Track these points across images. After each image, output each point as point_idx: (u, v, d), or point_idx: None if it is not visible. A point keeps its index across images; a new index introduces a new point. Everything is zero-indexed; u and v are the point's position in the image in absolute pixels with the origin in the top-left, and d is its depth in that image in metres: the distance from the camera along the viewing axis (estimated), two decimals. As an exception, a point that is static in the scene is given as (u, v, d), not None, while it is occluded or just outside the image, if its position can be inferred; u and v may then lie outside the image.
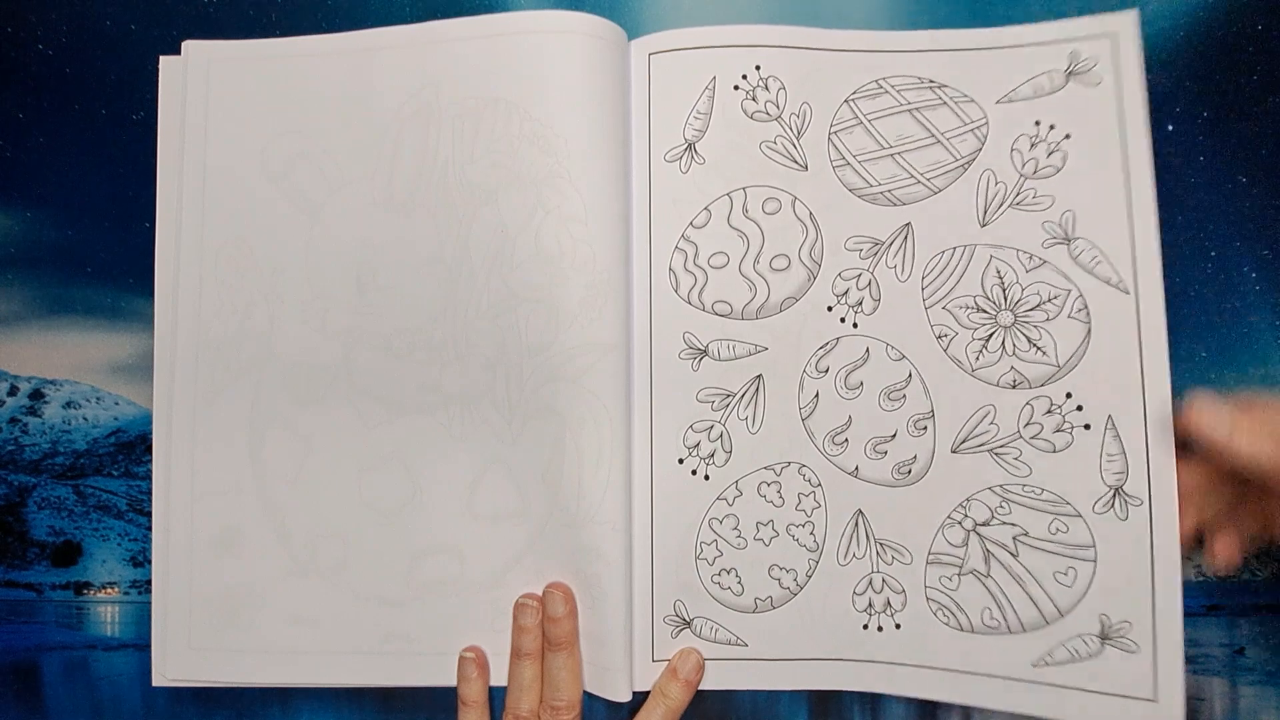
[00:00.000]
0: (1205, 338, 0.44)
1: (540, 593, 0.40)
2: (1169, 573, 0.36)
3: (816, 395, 0.41)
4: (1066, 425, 0.38)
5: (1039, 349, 0.39)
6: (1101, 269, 0.38)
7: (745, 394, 0.41)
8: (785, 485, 0.41)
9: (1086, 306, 0.38)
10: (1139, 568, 0.37)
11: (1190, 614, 0.45)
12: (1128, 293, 0.37)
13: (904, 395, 0.40)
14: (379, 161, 0.41)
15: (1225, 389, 0.44)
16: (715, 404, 0.41)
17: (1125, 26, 0.39)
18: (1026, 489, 0.39)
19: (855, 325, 0.41)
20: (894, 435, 0.40)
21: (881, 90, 0.41)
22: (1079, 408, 0.38)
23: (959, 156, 0.40)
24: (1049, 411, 0.38)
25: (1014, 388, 0.39)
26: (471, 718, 0.39)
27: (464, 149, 0.40)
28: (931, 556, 0.40)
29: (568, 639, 0.39)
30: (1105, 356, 0.38)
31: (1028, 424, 0.39)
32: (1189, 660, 0.43)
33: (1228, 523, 0.37)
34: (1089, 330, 0.38)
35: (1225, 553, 0.37)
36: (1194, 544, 0.37)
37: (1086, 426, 0.38)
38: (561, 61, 0.39)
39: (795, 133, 0.41)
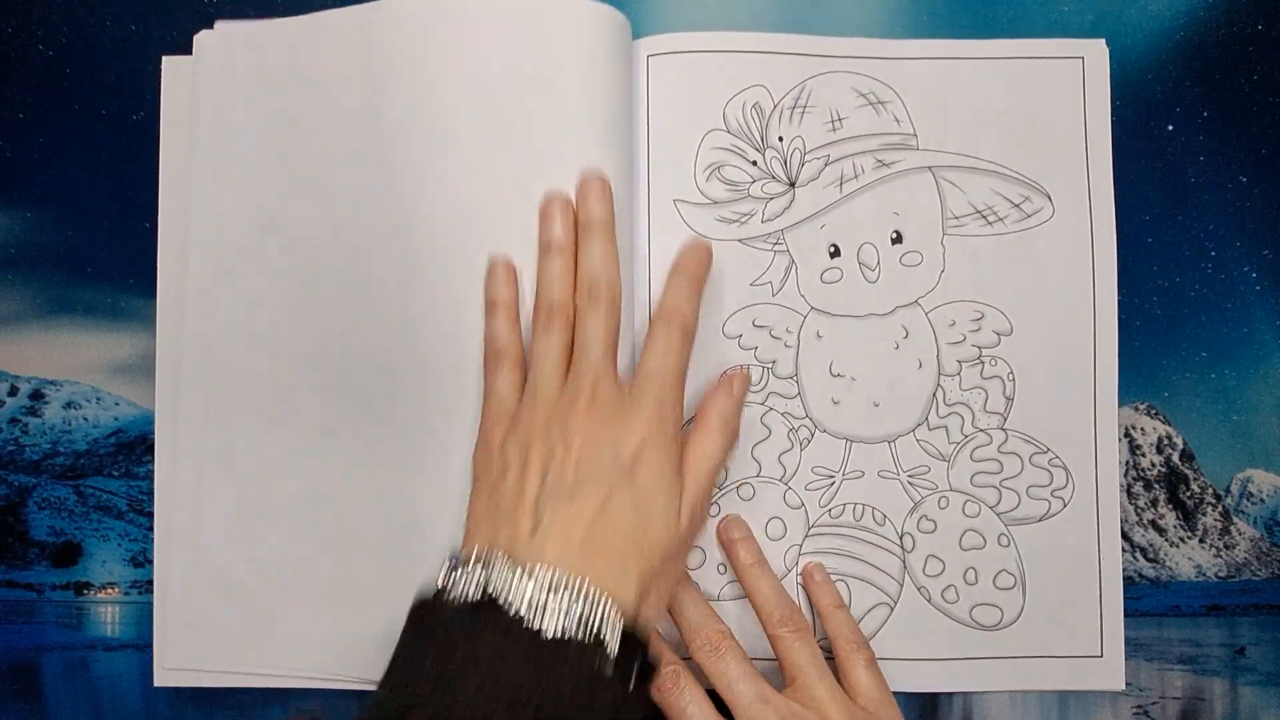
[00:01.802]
0: (1205, 338, 0.44)
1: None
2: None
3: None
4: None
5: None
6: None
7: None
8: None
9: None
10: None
11: (1190, 614, 0.45)
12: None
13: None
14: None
15: (1225, 389, 0.44)
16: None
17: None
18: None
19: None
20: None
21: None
22: None
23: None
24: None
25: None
26: (500, 319, 0.37)
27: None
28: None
29: (605, 221, 0.36)
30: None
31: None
32: (1189, 660, 0.44)
33: None
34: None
35: None
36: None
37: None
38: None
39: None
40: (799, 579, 0.40)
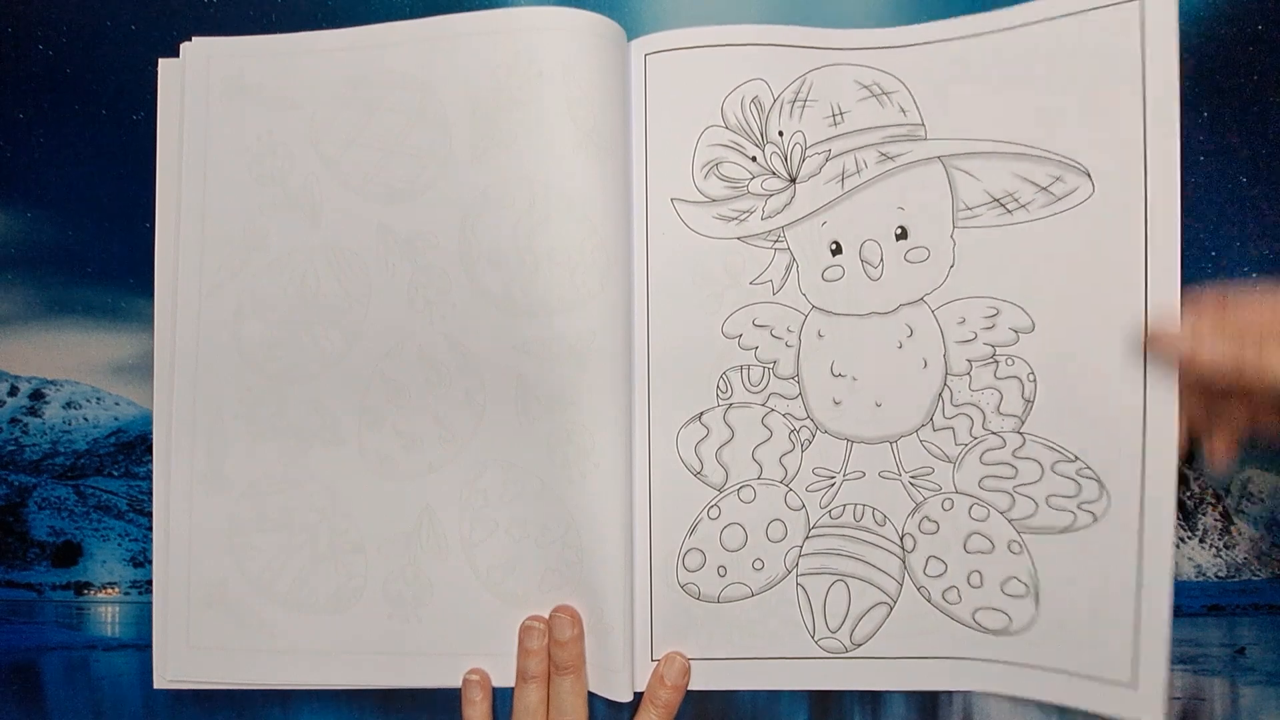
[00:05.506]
0: (1206, 338, 0.44)
1: (544, 608, 0.39)
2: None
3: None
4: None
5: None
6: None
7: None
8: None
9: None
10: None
11: (1190, 614, 0.45)
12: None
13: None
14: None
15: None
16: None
17: None
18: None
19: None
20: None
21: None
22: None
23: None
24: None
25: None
26: None
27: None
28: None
29: (574, 662, 0.38)
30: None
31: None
32: (1189, 660, 0.43)
33: (1217, 425, 0.37)
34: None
35: (1221, 454, 0.37)
36: (1188, 451, 0.37)
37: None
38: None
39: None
40: (799, 580, 0.40)
